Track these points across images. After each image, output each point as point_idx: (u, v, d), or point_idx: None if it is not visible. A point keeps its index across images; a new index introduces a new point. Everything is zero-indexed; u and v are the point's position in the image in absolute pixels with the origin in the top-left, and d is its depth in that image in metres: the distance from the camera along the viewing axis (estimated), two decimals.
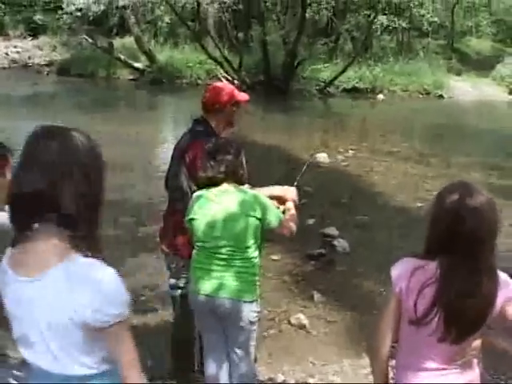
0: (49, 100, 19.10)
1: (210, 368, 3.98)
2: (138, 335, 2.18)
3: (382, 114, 21.00)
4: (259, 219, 3.70)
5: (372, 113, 21.38)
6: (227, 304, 3.70)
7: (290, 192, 4.13)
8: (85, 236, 2.01)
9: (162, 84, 23.58)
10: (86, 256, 2.00)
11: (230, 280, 3.69)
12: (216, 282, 3.69)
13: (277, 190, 4.14)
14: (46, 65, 26.91)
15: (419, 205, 9.26)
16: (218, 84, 4.54)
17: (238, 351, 3.86)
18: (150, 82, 23.85)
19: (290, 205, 4.04)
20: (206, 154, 3.83)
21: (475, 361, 2.65)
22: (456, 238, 2.43)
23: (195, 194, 3.86)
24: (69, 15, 24.96)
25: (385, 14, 24.78)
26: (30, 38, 29.00)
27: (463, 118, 20.18)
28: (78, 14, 24.31)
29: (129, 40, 26.41)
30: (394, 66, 25.54)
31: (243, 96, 4.35)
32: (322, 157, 12.38)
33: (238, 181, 3.82)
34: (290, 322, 5.62)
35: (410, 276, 2.51)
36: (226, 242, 3.68)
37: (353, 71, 23.96)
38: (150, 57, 24.71)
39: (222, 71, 23.79)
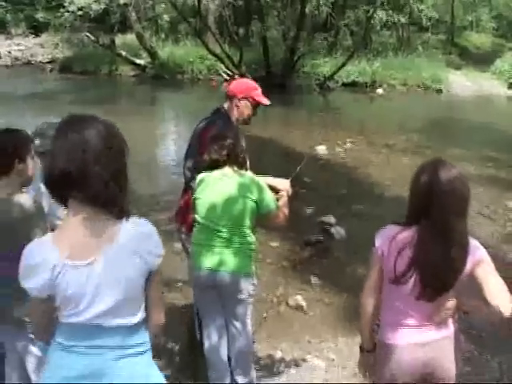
0: (51, 96, 19.28)
1: (209, 341, 4.23)
2: None
3: (381, 108, 21.22)
4: (255, 201, 3.98)
5: (371, 107, 21.58)
6: (227, 278, 3.96)
7: (283, 183, 4.42)
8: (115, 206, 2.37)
9: (163, 80, 23.79)
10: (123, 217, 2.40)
11: (229, 255, 3.96)
12: (216, 258, 3.96)
13: (270, 179, 4.36)
14: (49, 62, 27.16)
15: None
16: (245, 79, 4.86)
17: (236, 324, 4.13)
18: (151, 78, 24.09)
19: (282, 193, 4.33)
20: (211, 139, 4.11)
21: (450, 320, 2.94)
22: (430, 208, 2.73)
23: (199, 176, 4.14)
24: (70, 13, 25.14)
25: (384, 10, 24.92)
26: (32, 36, 29.26)
27: (461, 112, 20.36)
28: (80, 12, 24.49)
29: (130, 37, 26.64)
30: (393, 60, 25.70)
31: (260, 96, 4.60)
32: (321, 149, 12.63)
33: (239, 164, 4.10)
34: (288, 304, 5.87)
35: (391, 241, 2.82)
36: (226, 221, 3.96)
37: (352, 66, 24.11)
38: (152, 53, 24.93)
39: (222, 66, 24.01)
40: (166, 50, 25.63)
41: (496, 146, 14.31)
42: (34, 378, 3.36)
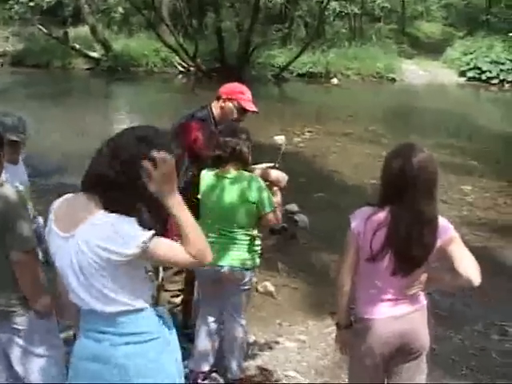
0: (3, 91, 19.00)
1: (200, 331, 4.39)
2: None
3: (337, 98, 21.45)
4: (254, 202, 4.07)
5: (327, 97, 21.80)
6: (231, 272, 4.12)
7: (282, 179, 4.40)
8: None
9: (117, 73, 23.54)
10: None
11: (231, 251, 4.11)
12: (219, 253, 4.05)
13: (272, 174, 4.37)
14: None
15: (373, 182, 9.71)
16: (239, 84, 4.80)
17: (234, 314, 4.30)
18: (105, 71, 23.79)
19: (275, 189, 4.34)
20: (218, 134, 4.20)
21: (422, 293, 3.13)
22: (402, 190, 2.91)
23: (203, 174, 4.23)
24: (20, 5, 24.75)
25: (337, 0, 25.13)
26: None
27: (415, 101, 20.74)
28: (31, 3, 24.14)
29: (83, 29, 26.26)
30: (347, 50, 25.94)
31: (245, 101, 4.58)
32: (280, 139, 12.72)
33: (243, 163, 4.15)
34: (257, 290, 5.98)
35: (365, 222, 3.00)
36: (227, 220, 4.11)
37: (307, 56, 24.30)
38: (106, 46, 24.64)
39: (177, 59, 23.97)
40: (119, 43, 25.32)
41: (450, 132, 14.69)
42: (19, 370, 3.35)
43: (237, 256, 4.13)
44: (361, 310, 3.16)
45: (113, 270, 2.39)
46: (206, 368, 4.40)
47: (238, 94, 4.61)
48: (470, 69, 25.03)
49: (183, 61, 23.79)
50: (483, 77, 24.67)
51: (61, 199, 2.56)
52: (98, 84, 23.16)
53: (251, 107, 4.61)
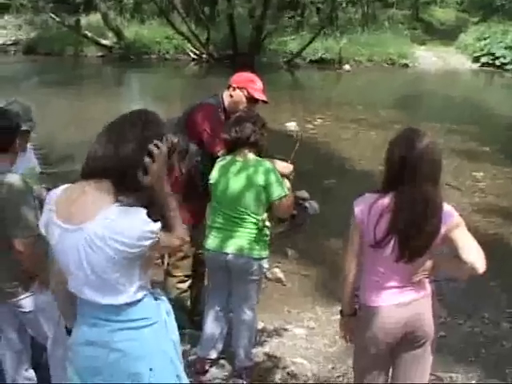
0: (16, 79, 19.02)
1: (208, 318, 4.39)
2: None
3: (349, 84, 21.38)
4: (266, 188, 4.05)
5: (339, 83, 21.75)
6: (235, 259, 4.11)
7: (285, 167, 4.41)
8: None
9: (130, 60, 23.54)
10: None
11: (238, 238, 4.10)
12: (226, 240, 4.10)
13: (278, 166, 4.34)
14: (12, 44, 26.65)
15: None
16: (251, 74, 4.76)
17: (242, 304, 4.29)
18: (118, 59, 23.80)
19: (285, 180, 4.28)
20: (233, 119, 4.19)
21: (427, 280, 3.10)
22: (405, 175, 2.88)
23: (218, 160, 4.23)
24: None
25: None
26: None
27: (428, 87, 20.61)
28: None
29: (95, 17, 26.25)
30: (359, 37, 25.82)
31: (255, 90, 4.54)
32: (292, 125, 12.73)
33: (258, 150, 4.15)
34: (266, 277, 5.98)
35: (369, 209, 2.97)
36: (237, 206, 4.09)
37: (319, 43, 24.20)
38: (118, 33, 24.63)
39: (189, 46, 23.92)
40: (131, 30, 25.30)
41: (462, 118, 14.56)
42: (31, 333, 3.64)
43: (243, 243, 4.10)
44: (365, 298, 3.14)
45: (126, 264, 2.39)
46: (213, 355, 4.41)
47: (249, 82, 4.58)
48: (484, 54, 24.84)
49: (195, 48, 23.74)
50: (497, 62, 24.45)
51: (60, 189, 2.52)
52: (111, 71, 23.20)
53: (260, 96, 4.58)
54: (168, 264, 4.65)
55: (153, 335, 2.53)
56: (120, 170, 2.37)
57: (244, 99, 4.53)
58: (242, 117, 4.19)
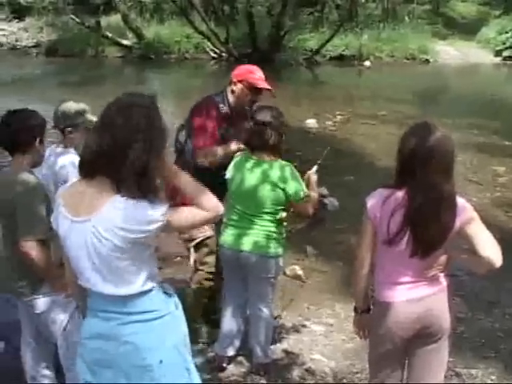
0: (38, 81, 19.17)
1: (225, 316, 4.40)
2: None
3: (369, 80, 21.29)
4: (283, 189, 4.05)
5: (359, 79, 21.66)
6: (249, 257, 4.12)
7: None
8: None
9: (150, 60, 23.67)
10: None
11: (254, 236, 4.10)
12: (241, 238, 4.11)
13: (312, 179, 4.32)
14: (34, 46, 26.85)
15: None
16: (250, 65, 4.71)
17: (258, 303, 4.29)
18: (138, 59, 23.95)
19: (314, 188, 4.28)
20: (251, 119, 4.17)
21: (442, 274, 3.07)
22: (417, 168, 2.86)
23: (235, 157, 4.22)
24: None
25: None
26: (16, 21, 28.90)
27: (449, 82, 20.49)
28: None
29: (115, 18, 26.39)
30: (379, 32, 25.72)
31: (255, 80, 4.48)
32: (311, 122, 12.72)
33: (275, 151, 4.13)
34: (285, 274, 5.97)
35: (382, 204, 2.95)
36: (253, 204, 4.09)
37: (339, 39, 24.18)
38: (138, 33, 24.75)
39: (209, 45, 23.97)
40: (151, 30, 25.41)
41: (484, 113, 14.44)
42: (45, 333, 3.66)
43: (258, 241, 4.10)
44: (379, 294, 3.12)
45: (135, 253, 2.44)
46: (231, 352, 4.42)
47: (248, 74, 4.52)
48: (506, 48, 24.65)
49: (215, 46, 23.79)
50: None
51: (68, 185, 2.61)
52: (131, 71, 23.32)
53: (263, 84, 4.51)
54: (195, 261, 4.60)
55: (162, 328, 2.57)
56: (118, 162, 2.40)
57: (246, 91, 4.47)
58: (261, 117, 4.12)
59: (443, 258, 3.02)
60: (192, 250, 4.56)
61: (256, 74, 4.53)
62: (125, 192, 2.40)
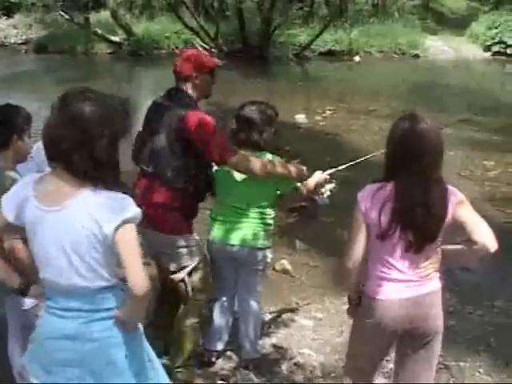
0: (28, 78, 19.08)
1: (214, 311, 4.38)
2: None
3: (359, 75, 21.24)
4: (270, 183, 4.09)
5: (349, 74, 21.60)
6: (240, 251, 4.14)
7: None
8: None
9: (140, 56, 23.57)
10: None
11: (243, 229, 4.12)
12: (232, 231, 4.12)
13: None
14: (23, 43, 26.74)
15: None
16: (189, 51, 4.32)
17: (247, 295, 4.31)
18: (128, 55, 23.84)
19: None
20: (237, 118, 4.18)
21: (436, 274, 3.04)
22: (406, 160, 2.84)
23: None
24: None
25: None
26: (5, 18, 28.76)
27: (439, 77, 20.44)
28: None
29: (105, 14, 26.28)
30: (369, 27, 25.65)
31: (213, 61, 4.14)
32: (301, 118, 12.71)
33: (262, 146, 4.16)
34: (274, 269, 5.97)
35: (372, 197, 2.93)
36: (241, 200, 4.11)
37: (329, 34, 24.10)
38: (127, 30, 24.64)
39: (199, 41, 23.90)
40: (141, 27, 25.31)
41: (474, 108, 14.41)
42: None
43: (246, 234, 4.11)
44: (370, 289, 3.09)
45: (106, 245, 2.44)
46: (219, 347, 4.41)
47: (202, 57, 4.11)
48: (495, 43, 24.59)
49: (205, 42, 23.69)
50: (508, 51, 24.18)
51: (38, 176, 2.58)
52: (121, 68, 23.22)
53: (215, 62, 4.13)
54: (192, 289, 4.05)
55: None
56: (87, 154, 2.42)
57: (208, 77, 4.05)
58: (248, 116, 4.13)
59: (437, 256, 3.00)
60: (186, 278, 4.02)
61: (204, 55, 4.22)
62: (96, 182, 2.43)
